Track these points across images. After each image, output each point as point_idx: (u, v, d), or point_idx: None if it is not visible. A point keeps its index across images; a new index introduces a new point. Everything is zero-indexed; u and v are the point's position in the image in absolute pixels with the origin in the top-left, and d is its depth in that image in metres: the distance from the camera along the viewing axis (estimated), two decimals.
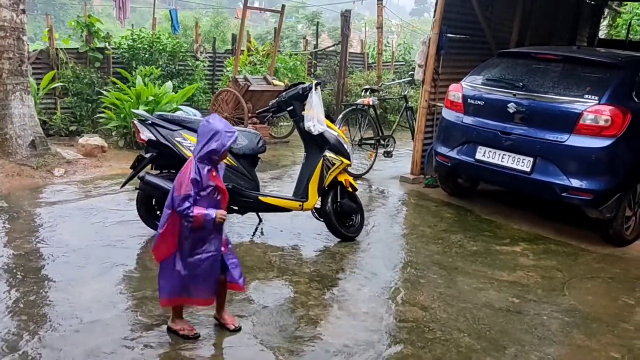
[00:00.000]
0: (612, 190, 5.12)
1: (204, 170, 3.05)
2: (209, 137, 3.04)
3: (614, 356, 3.42)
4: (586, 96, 5.21)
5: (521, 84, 5.64)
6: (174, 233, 3.12)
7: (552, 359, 3.33)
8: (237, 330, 3.37)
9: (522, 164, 5.42)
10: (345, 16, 10.82)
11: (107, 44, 10.05)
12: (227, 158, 4.67)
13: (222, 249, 3.23)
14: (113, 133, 8.52)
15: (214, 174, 3.12)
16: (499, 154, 5.60)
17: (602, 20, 12.90)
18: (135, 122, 4.60)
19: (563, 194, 5.22)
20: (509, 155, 5.53)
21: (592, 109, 5.10)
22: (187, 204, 3.00)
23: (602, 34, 13.65)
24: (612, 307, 4.11)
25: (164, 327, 3.36)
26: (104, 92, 8.80)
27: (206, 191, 3.08)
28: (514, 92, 5.61)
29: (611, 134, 5.04)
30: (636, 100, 5.32)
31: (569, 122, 5.19)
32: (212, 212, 3.07)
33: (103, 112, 8.63)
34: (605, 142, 5.06)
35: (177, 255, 3.16)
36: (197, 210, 3.03)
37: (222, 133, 3.05)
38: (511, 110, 5.51)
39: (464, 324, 3.66)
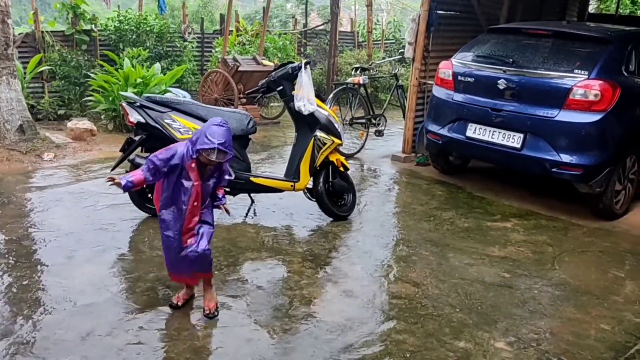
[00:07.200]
0: (602, 165, 5.15)
1: None
2: None
3: (604, 328, 3.47)
4: (576, 71, 5.21)
5: (511, 60, 5.62)
6: None
7: (543, 332, 3.38)
8: None
9: (513, 140, 5.44)
10: None
11: (93, 26, 9.89)
12: None
13: None
14: (102, 116, 8.44)
15: None
16: (490, 131, 5.61)
17: None
18: (124, 104, 4.56)
19: (553, 170, 5.25)
20: (500, 132, 5.54)
21: (582, 84, 5.11)
22: None
23: (591, 8, 13.63)
24: (602, 280, 4.16)
25: (159, 308, 3.38)
26: (92, 75, 8.69)
27: None
28: (504, 68, 5.60)
29: (601, 108, 5.06)
30: (625, 74, 5.33)
31: (559, 97, 5.20)
32: None
33: (91, 96, 8.53)
34: (595, 117, 5.07)
35: None
36: None
37: None
38: (501, 87, 5.51)
39: (455, 300, 3.70)
